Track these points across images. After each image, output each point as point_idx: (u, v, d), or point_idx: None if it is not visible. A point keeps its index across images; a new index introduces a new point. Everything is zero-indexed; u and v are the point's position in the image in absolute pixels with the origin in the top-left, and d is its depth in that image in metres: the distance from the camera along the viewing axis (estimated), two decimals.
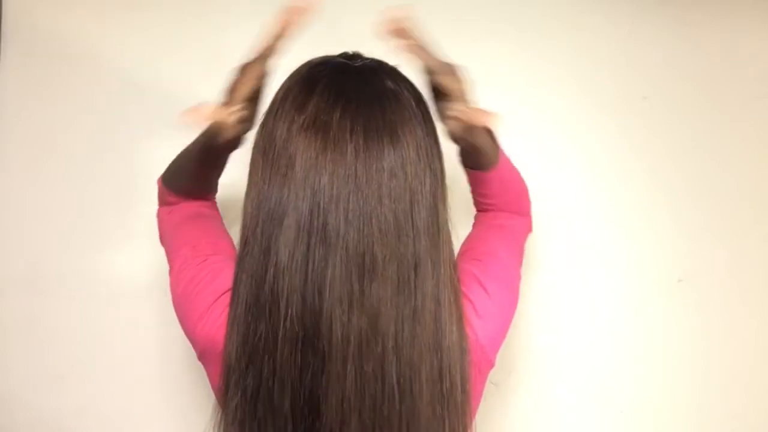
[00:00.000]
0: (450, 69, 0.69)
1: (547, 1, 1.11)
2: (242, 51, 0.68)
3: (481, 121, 0.68)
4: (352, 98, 0.61)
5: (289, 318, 0.59)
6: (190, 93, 1.03)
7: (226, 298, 0.66)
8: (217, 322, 0.66)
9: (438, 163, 0.65)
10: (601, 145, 1.11)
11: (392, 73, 0.67)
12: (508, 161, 0.82)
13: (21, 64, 1.11)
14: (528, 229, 0.88)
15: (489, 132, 0.75)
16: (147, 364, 1.11)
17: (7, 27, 1.11)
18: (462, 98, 0.70)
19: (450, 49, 1.11)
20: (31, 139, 1.11)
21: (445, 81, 0.68)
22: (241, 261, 0.64)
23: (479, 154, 0.75)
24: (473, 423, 0.69)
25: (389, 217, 0.59)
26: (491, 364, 0.71)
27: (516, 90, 1.11)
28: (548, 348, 1.10)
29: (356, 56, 0.69)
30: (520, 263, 0.80)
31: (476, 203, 0.84)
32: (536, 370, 1.11)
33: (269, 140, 0.62)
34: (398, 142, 0.61)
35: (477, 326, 0.67)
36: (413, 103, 0.65)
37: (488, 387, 0.74)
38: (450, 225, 0.66)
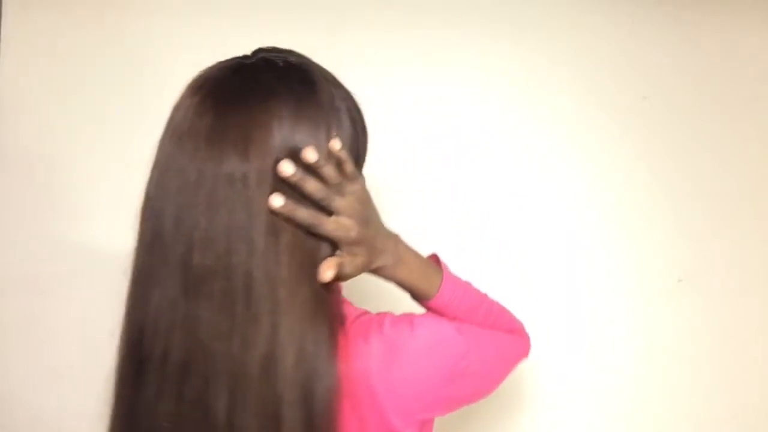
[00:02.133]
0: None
1: (547, 1, 1.11)
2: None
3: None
4: (208, 97, 0.57)
5: (130, 325, 0.58)
6: None
7: None
8: None
9: None
10: (601, 145, 1.11)
11: (284, 72, 0.59)
12: (459, 288, 0.70)
13: (21, 63, 1.11)
14: (519, 348, 0.74)
15: (415, 264, 0.67)
16: None
17: (7, 27, 1.11)
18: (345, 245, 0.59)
19: (450, 49, 1.12)
20: (31, 139, 1.11)
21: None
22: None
23: (407, 289, 0.68)
24: None
25: (218, 228, 0.54)
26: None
27: (516, 90, 1.11)
28: (548, 347, 1.10)
29: (261, 51, 0.62)
30: (493, 374, 0.67)
31: None
32: (536, 370, 1.11)
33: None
34: (244, 149, 0.54)
35: (376, 375, 0.57)
36: (290, 107, 0.56)
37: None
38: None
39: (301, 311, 0.55)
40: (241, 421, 0.54)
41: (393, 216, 1.09)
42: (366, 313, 0.62)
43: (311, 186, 0.55)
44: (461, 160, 1.11)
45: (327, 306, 0.58)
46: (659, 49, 1.11)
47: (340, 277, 0.59)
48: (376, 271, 0.65)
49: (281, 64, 0.60)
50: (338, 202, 0.57)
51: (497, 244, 1.10)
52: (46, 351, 1.11)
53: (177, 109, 0.58)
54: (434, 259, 0.73)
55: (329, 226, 0.57)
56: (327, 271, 0.56)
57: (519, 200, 1.11)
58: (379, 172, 1.10)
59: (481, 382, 0.66)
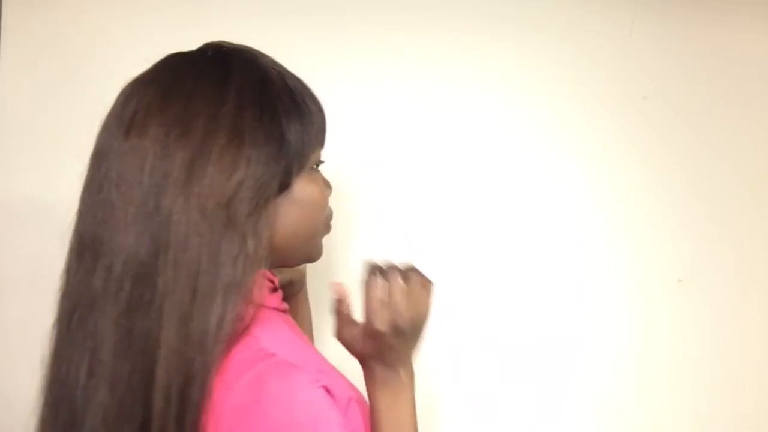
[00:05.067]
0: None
1: (547, 1, 1.11)
2: None
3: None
4: (135, 82, 0.61)
5: None
6: None
7: None
8: None
9: (179, 169, 0.54)
10: (601, 145, 1.11)
11: (206, 59, 0.60)
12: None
13: (21, 64, 1.11)
14: None
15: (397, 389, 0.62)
16: None
17: (7, 27, 1.11)
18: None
19: (449, 49, 1.12)
20: (31, 139, 1.11)
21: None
22: None
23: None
24: None
25: (100, 200, 0.57)
26: None
27: (516, 90, 1.11)
28: (548, 348, 1.10)
29: (208, 44, 0.63)
30: None
31: None
32: (536, 370, 1.11)
33: None
34: (128, 127, 0.56)
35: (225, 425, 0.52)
36: (186, 89, 0.57)
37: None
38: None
39: (180, 302, 0.53)
40: (95, 391, 0.55)
41: (391, 217, 1.10)
42: (271, 356, 0.55)
43: (376, 292, 0.58)
44: (461, 160, 1.11)
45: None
46: (659, 49, 1.11)
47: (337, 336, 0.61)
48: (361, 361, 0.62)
49: (209, 53, 0.61)
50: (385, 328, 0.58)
51: (497, 244, 1.10)
52: (46, 351, 1.11)
53: None
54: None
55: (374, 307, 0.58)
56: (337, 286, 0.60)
57: (519, 200, 1.11)
58: (378, 173, 1.10)
59: None
